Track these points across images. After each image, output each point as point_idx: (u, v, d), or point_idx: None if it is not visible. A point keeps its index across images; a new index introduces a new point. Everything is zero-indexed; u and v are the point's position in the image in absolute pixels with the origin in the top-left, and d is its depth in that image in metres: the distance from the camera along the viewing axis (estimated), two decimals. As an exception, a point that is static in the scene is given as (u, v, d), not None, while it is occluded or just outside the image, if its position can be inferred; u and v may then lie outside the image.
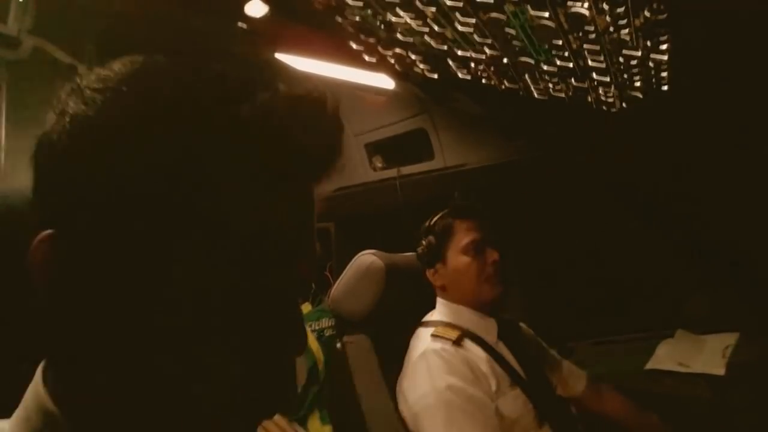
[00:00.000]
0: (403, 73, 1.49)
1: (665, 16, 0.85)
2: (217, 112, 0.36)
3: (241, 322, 0.37)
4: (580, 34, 0.96)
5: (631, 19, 0.88)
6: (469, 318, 1.46)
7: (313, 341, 2.11)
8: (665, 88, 1.17)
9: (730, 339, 1.69)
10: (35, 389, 0.39)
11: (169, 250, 0.35)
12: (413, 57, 1.31)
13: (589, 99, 1.31)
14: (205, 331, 0.36)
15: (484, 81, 1.35)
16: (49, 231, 0.36)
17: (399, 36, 1.18)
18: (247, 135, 0.36)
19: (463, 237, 1.48)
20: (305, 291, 0.42)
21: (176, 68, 0.38)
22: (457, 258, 1.47)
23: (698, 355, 1.70)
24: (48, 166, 0.38)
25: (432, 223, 1.53)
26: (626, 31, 0.92)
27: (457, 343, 1.36)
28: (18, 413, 0.40)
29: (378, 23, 1.13)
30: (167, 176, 0.35)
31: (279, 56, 1.45)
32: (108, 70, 0.39)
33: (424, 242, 1.51)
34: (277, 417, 0.58)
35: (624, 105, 1.31)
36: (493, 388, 1.33)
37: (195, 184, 0.35)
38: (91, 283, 0.36)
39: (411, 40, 1.19)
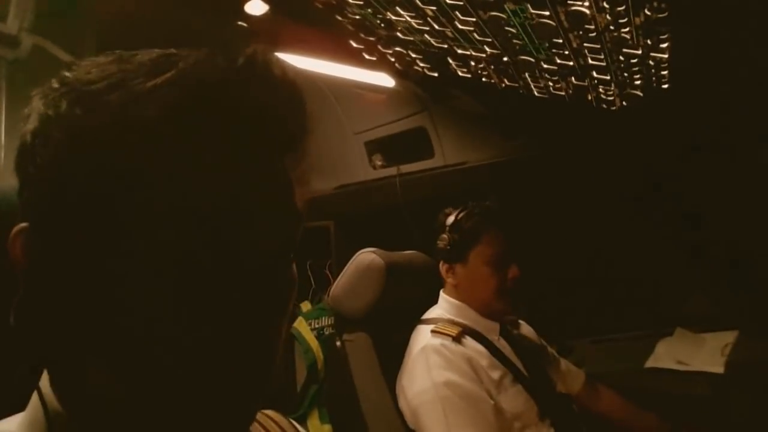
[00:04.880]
0: (403, 72, 1.49)
1: (665, 14, 0.85)
2: (142, 94, 0.35)
3: (219, 310, 0.35)
4: (581, 32, 0.96)
5: (632, 17, 0.88)
6: (473, 317, 1.46)
7: (312, 340, 2.11)
8: (665, 86, 1.17)
9: (729, 337, 1.70)
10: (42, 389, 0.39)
11: (124, 247, 0.34)
12: (413, 55, 1.31)
13: (589, 97, 1.31)
14: (179, 323, 0.35)
15: (484, 79, 1.35)
16: (23, 224, 0.37)
17: (399, 34, 1.18)
18: (179, 112, 0.35)
19: (490, 246, 1.44)
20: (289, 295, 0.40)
21: (115, 62, 0.38)
22: (479, 266, 1.44)
23: (697, 353, 1.70)
24: (18, 161, 0.39)
25: (460, 219, 1.46)
26: (626, 29, 0.92)
27: (458, 339, 1.36)
28: (26, 414, 0.40)
29: (378, 21, 1.13)
30: (109, 166, 0.34)
31: (279, 55, 1.45)
32: (70, 71, 0.39)
33: (447, 237, 1.46)
34: (276, 415, 0.58)
35: (624, 103, 1.31)
36: (494, 383, 1.33)
37: (138, 171, 0.34)
38: (63, 276, 0.36)
39: (411, 38, 1.19)
